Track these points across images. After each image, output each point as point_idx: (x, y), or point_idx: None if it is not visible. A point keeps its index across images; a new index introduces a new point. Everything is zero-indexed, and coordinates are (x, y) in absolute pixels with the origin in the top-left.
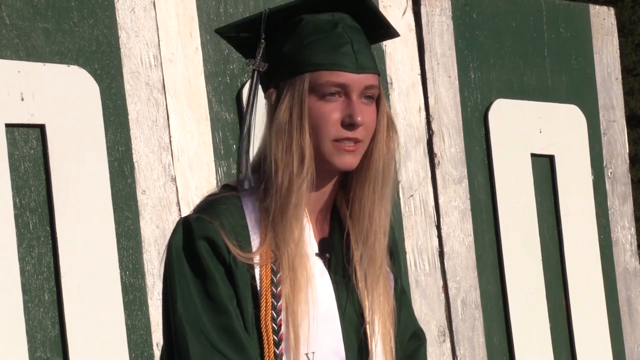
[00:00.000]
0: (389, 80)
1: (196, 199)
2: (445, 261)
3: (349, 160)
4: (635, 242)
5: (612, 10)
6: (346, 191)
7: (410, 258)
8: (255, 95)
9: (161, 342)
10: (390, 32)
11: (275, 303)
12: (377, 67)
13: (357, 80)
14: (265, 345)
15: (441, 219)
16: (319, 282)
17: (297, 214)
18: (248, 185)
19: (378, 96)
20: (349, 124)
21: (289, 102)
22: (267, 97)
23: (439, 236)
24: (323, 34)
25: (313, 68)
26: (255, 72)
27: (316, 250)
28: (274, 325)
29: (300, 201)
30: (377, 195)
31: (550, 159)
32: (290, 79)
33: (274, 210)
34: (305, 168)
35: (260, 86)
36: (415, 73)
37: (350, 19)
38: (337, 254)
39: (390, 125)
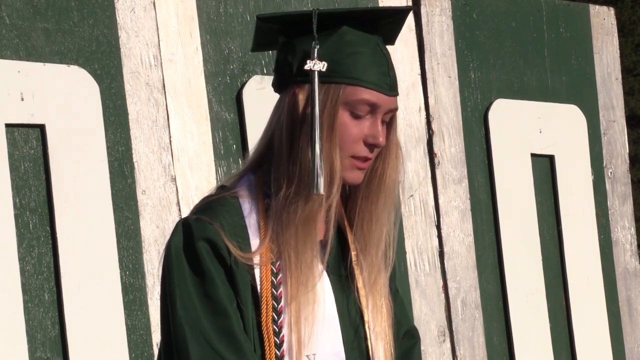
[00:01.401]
0: None
1: (196, 199)
2: (445, 261)
3: (359, 177)
4: (635, 242)
5: (612, 10)
6: (344, 197)
7: (410, 258)
8: (319, 100)
9: (160, 342)
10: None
11: (276, 305)
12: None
13: (386, 101)
14: (267, 347)
15: (441, 219)
16: (318, 284)
17: (313, 222)
18: (319, 191)
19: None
20: (372, 144)
21: (320, 109)
22: (287, 95)
23: (439, 236)
24: (363, 48)
25: (351, 82)
26: (316, 74)
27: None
28: (275, 327)
29: (321, 210)
30: (387, 211)
31: (550, 159)
32: (324, 85)
33: (297, 214)
34: (336, 183)
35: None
36: (415, 73)
37: (381, 38)
38: (335, 255)
39: (398, 144)
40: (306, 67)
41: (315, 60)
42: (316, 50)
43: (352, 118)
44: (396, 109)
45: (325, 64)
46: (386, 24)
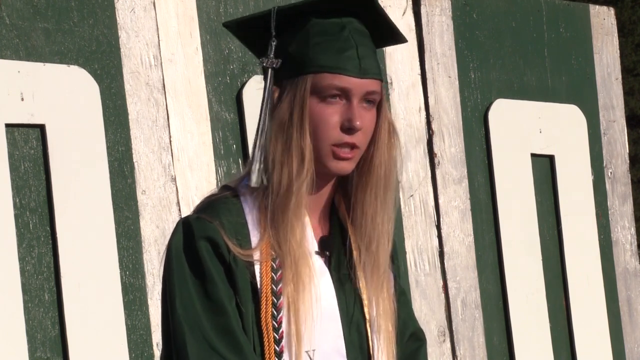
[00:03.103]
0: (389, 80)
1: (196, 199)
2: (445, 261)
3: (344, 166)
4: (635, 242)
5: (612, 10)
6: (345, 191)
7: (410, 258)
8: (269, 94)
9: (161, 342)
10: (397, 38)
11: (276, 301)
12: (380, 72)
13: (359, 85)
14: (266, 343)
15: (441, 219)
16: (319, 280)
17: (298, 214)
18: (258, 183)
19: (379, 101)
20: (348, 127)
21: (290, 102)
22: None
23: (439, 236)
24: (329, 36)
25: (316, 69)
26: (269, 70)
27: (316, 248)
28: (274, 322)
29: (300, 201)
30: (380, 201)
31: (550, 159)
32: (293, 79)
33: (273, 209)
34: (305, 169)
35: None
36: (415, 73)
37: (358, 22)
38: (337, 252)
39: (392, 130)
40: (264, 64)
41: (270, 58)
42: (273, 47)
43: (325, 105)
44: (375, 91)
45: (279, 61)
46: (367, 14)
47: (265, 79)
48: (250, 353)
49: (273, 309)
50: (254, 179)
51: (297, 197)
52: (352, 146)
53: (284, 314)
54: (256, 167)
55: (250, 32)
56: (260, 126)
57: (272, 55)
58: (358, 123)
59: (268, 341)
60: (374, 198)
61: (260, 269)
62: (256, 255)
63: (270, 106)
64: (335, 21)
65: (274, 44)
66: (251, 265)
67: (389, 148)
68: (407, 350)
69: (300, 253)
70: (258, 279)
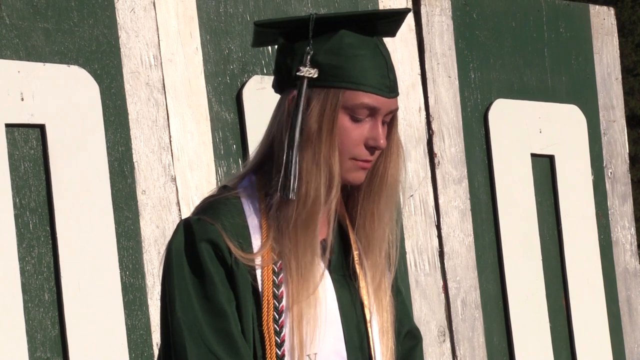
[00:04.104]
0: None
1: (196, 199)
2: (445, 261)
3: (360, 177)
4: (635, 242)
5: (612, 10)
6: (344, 194)
7: (410, 258)
8: (302, 106)
9: (160, 342)
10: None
11: (277, 304)
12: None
13: (387, 104)
14: (267, 347)
15: (441, 219)
16: (320, 283)
17: (317, 225)
18: (293, 196)
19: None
20: (373, 146)
21: (319, 114)
22: (287, 99)
23: (439, 236)
24: (362, 50)
25: (351, 86)
26: (304, 80)
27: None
28: (276, 326)
29: (322, 213)
30: (384, 208)
31: (550, 159)
32: (322, 89)
33: (296, 218)
34: (335, 184)
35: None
36: (415, 73)
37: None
38: (336, 254)
39: (399, 141)
40: (298, 73)
41: (308, 67)
42: (309, 56)
43: (352, 122)
44: (396, 109)
45: (317, 71)
46: (385, 23)
47: (299, 89)
48: (248, 357)
49: (275, 313)
50: (291, 195)
51: (322, 210)
52: (369, 160)
53: (286, 318)
54: (292, 182)
55: (272, 32)
56: (291, 137)
57: (309, 64)
58: (382, 142)
59: (270, 345)
60: (383, 208)
61: (262, 272)
62: (258, 260)
63: (288, 110)
64: (365, 37)
65: (311, 53)
66: (252, 268)
67: (397, 160)
68: (404, 349)
69: (305, 261)
70: (259, 282)
